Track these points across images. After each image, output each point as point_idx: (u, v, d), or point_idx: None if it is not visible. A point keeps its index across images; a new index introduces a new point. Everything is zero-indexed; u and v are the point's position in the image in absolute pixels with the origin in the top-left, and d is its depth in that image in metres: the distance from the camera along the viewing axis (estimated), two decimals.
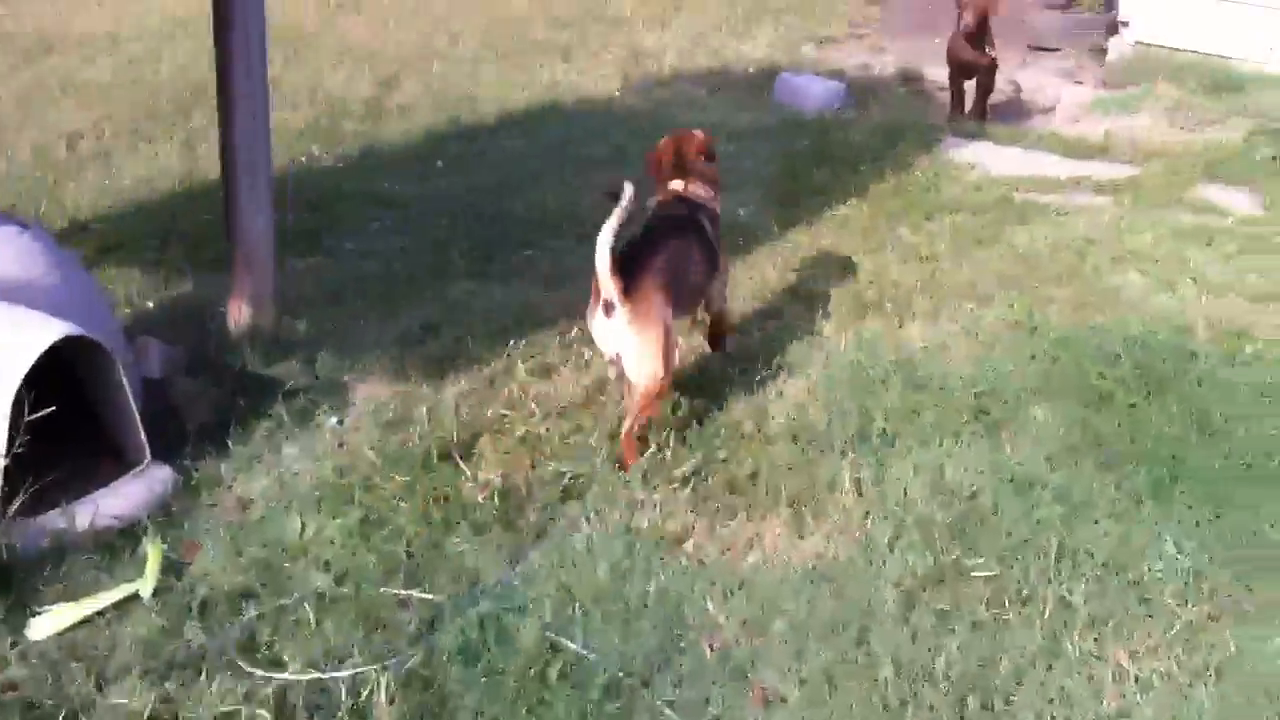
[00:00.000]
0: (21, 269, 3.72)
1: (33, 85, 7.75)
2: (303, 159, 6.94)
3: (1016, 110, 8.63)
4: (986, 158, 7.12)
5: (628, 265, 3.87)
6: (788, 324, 5.03)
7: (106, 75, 8.06)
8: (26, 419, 3.32)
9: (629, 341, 3.91)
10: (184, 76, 8.09)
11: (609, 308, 3.88)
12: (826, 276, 5.49)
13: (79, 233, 5.76)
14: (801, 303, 5.24)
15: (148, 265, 5.43)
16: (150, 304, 5.06)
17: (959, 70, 8.02)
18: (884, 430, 4.21)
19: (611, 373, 4.23)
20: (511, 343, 4.68)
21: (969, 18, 7.67)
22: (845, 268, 5.58)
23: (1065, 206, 6.37)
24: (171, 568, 3.42)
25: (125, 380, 3.61)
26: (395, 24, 9.92)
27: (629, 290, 3.85)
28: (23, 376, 3.33)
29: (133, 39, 8.97)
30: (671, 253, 4.11)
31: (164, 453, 3.83)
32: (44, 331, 3.41)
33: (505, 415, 4.22)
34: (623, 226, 3.80)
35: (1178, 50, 8.77)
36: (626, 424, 3.96)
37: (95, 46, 8.74)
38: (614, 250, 3.80)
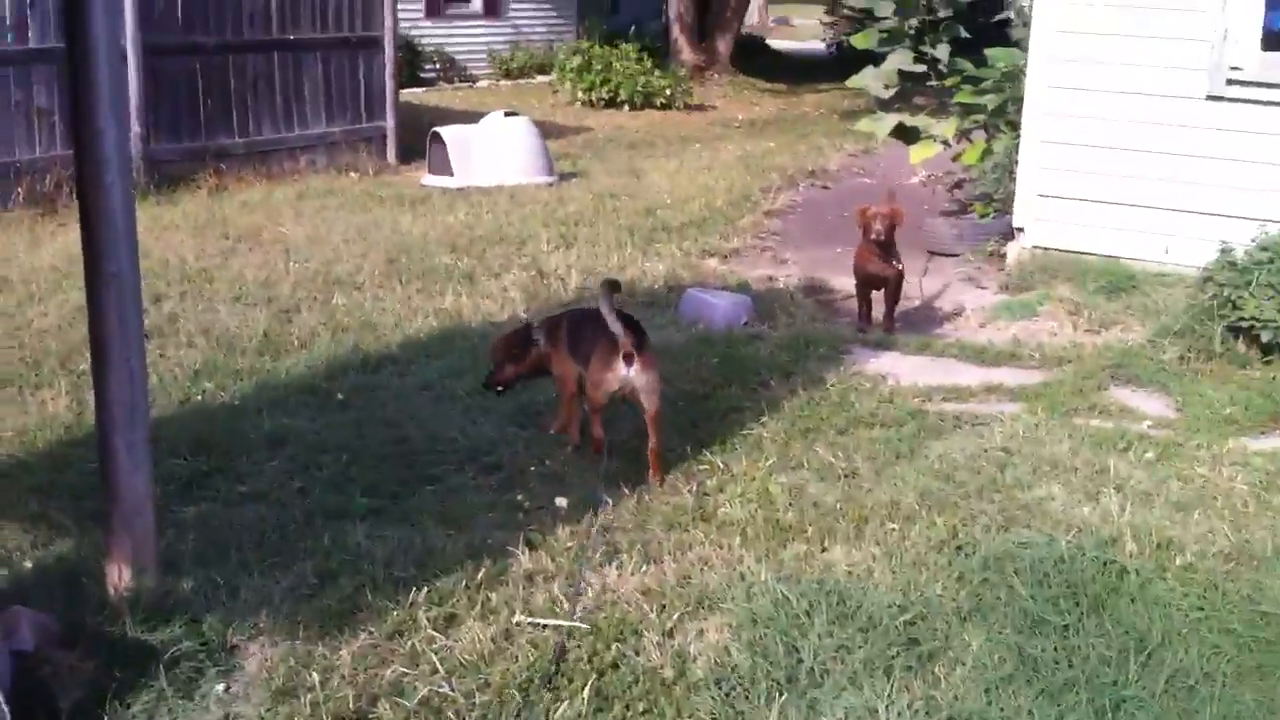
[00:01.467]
0: None
1: None
2: (198, 397, 6.70)
3: (922, 317, 8.65)
4: (896, 368, 7.07)
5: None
6: (705, 554, 4.82)
7: None
8: None
9: (645, 380, 5.53)
10: (73, 320, 7.85)
11: (629, 358, 5.45)
12: (743, 499, 5.32)
13: None
14: (718, 529, 5.04)
15: (28, 521, 5.12)
16: (29, 563, 4.74)
17: (866, 281, 8.03)
18: (812, 670, 3.98)
19: (599, 398, 5.64)
20: (414, 591, 4.42)
21: (879, 227, 7.69)
22: (762, 489, 5.41)
23: (979, 416, 6.29)
24: None
25: None
26: (292, 256, 9.80)
27: (639, 347, 5.48)
28: None
29: (19, 283, 8.74)
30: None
31: None
32: None
33: (405, 674, 3.94)
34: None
35: (1074, 253, 8.89)
36: (653, 443, 5.61)
37: None
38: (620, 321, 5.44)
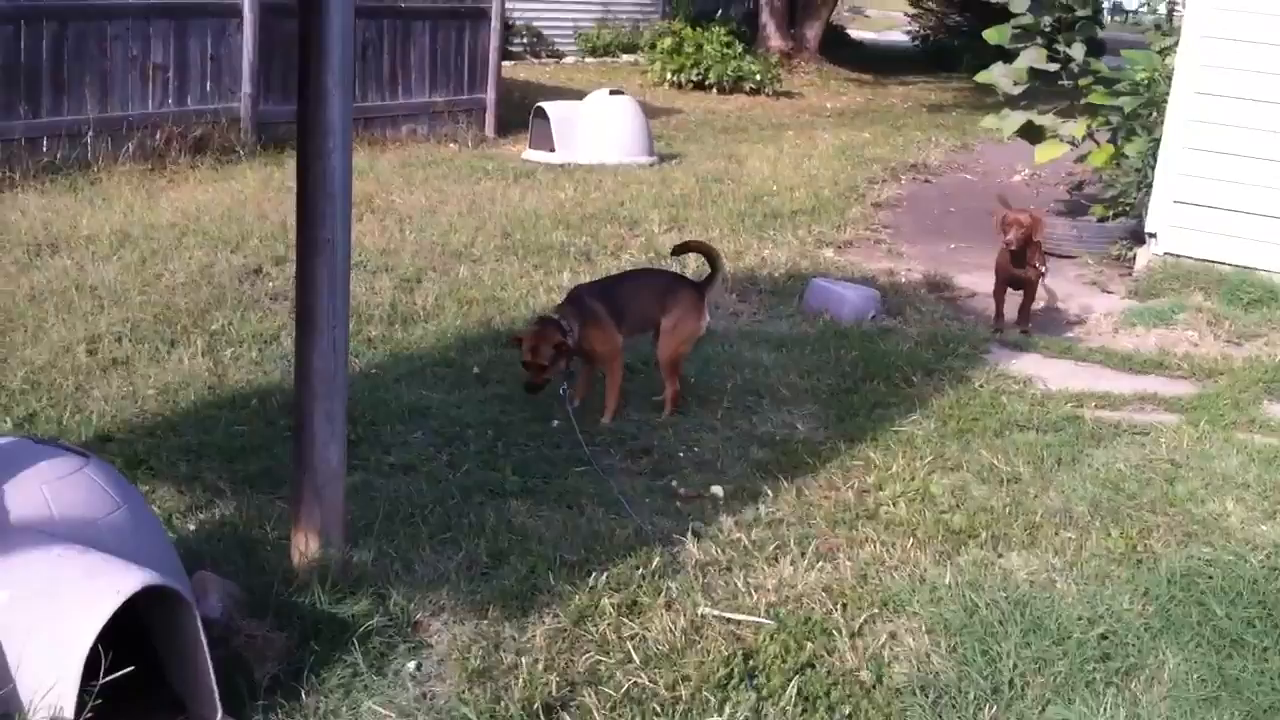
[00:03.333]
0: (87, 506, 3.35)
1: (43, 286, 7.43)
2: None
3: (1050, 319, 8.47)
4: (1042, 371, 6.93)
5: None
6: (878, 553, 4.71)
7: (120, 276, 7.76)
8: (101, 681, 2.94)
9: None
10: (199, 278, 7.83)
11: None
12: (905, 498, 5.20)
13: (103, 445, 5.40)
14: (887, 529, 4.93)
15: (182, 482, 5.07)
16: (192, 526, 4.69)
17: (1006, 281, 7.88)
18: (1012, 681, 3.87)
19: (688, 351, 6.25)
20: (593, 575, 4.33)
21: (1011, 236, 7.59)
22: (923, 489, 5.29)
23: (1137, 425, 6.14)
24: None
25: (202, 632, 3.23)
26: (407, 225, 9.73)
27: None
28: (97, 633, 2.94)
29: (142, 239, 8.70)
30: None
31: (231, 706, 3.43)
32: (122, 580, 3.04)
33: (600, 661, 3.86)
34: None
35: (1208, 261, 8.69)
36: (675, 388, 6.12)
37: (104, 246, 8.46)
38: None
